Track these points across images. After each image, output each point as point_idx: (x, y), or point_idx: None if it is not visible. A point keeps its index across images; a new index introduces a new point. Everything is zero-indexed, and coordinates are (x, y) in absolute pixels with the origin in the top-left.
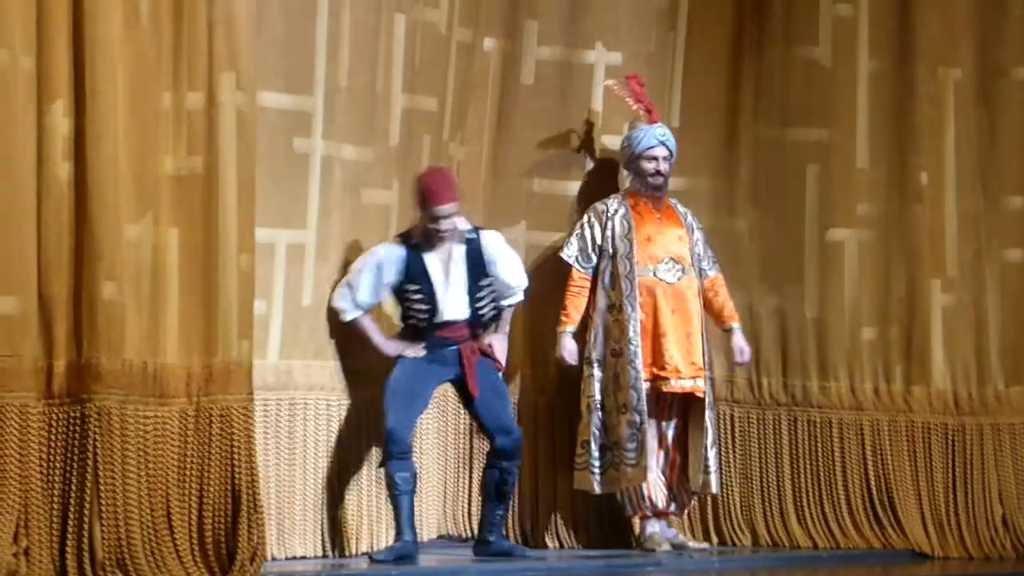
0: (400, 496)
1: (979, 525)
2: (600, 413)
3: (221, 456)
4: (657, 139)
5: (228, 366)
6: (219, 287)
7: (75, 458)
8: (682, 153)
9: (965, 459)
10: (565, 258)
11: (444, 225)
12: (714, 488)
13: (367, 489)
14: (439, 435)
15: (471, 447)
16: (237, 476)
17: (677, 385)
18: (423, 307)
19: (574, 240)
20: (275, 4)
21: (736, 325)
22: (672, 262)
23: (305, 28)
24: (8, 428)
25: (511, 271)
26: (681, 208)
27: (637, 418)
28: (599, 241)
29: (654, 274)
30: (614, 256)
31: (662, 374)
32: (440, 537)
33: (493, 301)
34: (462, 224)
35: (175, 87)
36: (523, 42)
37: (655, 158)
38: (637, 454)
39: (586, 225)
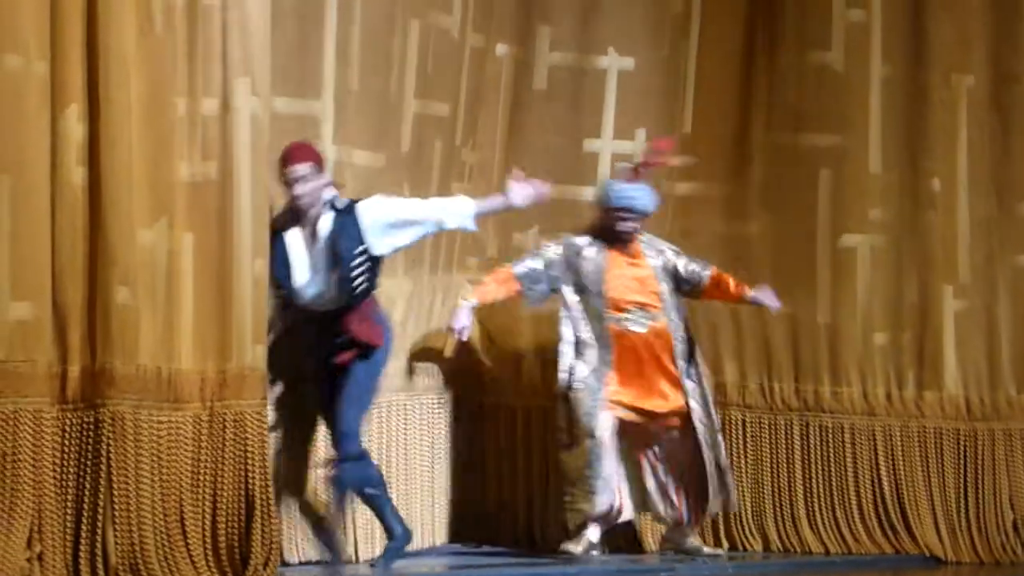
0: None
1: (990, 530)
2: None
3: (235, 461)
4: (627, 199)
5: (242, 371)
6: (233, 292)
7: (89, 463)
8: (694, 158)
9: (977, 464)
10: (513, 268)
11: (299, 189)
12: (714, 508)
13: None
14: (451, 441)
15: (483, 452)
16: (250, 481)
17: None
18: (280, 292)
19: (528, 259)
20: (287, 9)
21: (751, 293)
22: (640, 310)
23: (316, 33)
24: (22, 433)
25: (417, 213)
26: (653, 249)
27: (596, 448)
28: (553, 272)
29: (622, 322)
30: (584, 293)
31: (643, 407)
32: (451, 542)
33: (369, 276)
34: (328, 193)
35: (190, 92)
36: (536, 47)
37: (622, 219)
38: (597, 482)
39: (548, 251)
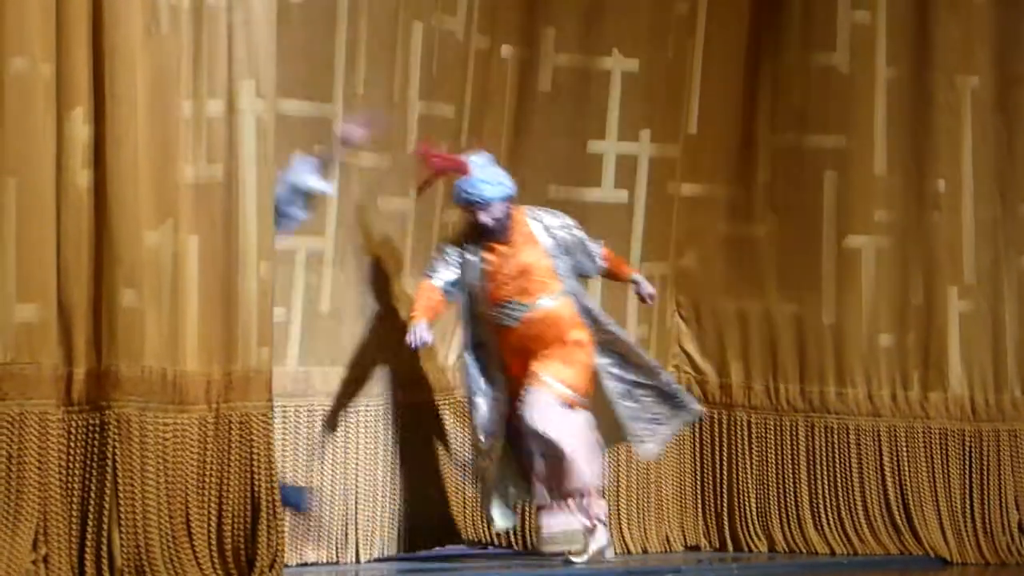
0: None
1: (995, 531)
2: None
3: (240, 463)
4: (464, 194)
5: (247, 373)
6: (238, 294)
7: (94, 465)
8: (699, 159)
9: (982, 465)
10: (433, 282)
11: None
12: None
13: (382, 496)
14: (456, 443)
15: None
16: (256, 483)
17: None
18: None
19: (441, 268)
20: (294, 11)
21: (636, 276)
22: (513, 303)
23: (324, 35)
24: (28, 435)
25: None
26: (542, 227)
27: (483, 459)
28: (457, 272)
29: (498, 318)
30: (472, 293)
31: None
32: (456, 543)
33: None
34: None
35: (195, 94)
36: (540, 49)
37: (474, 212)
38: (482, 490)
39: (447, 253)
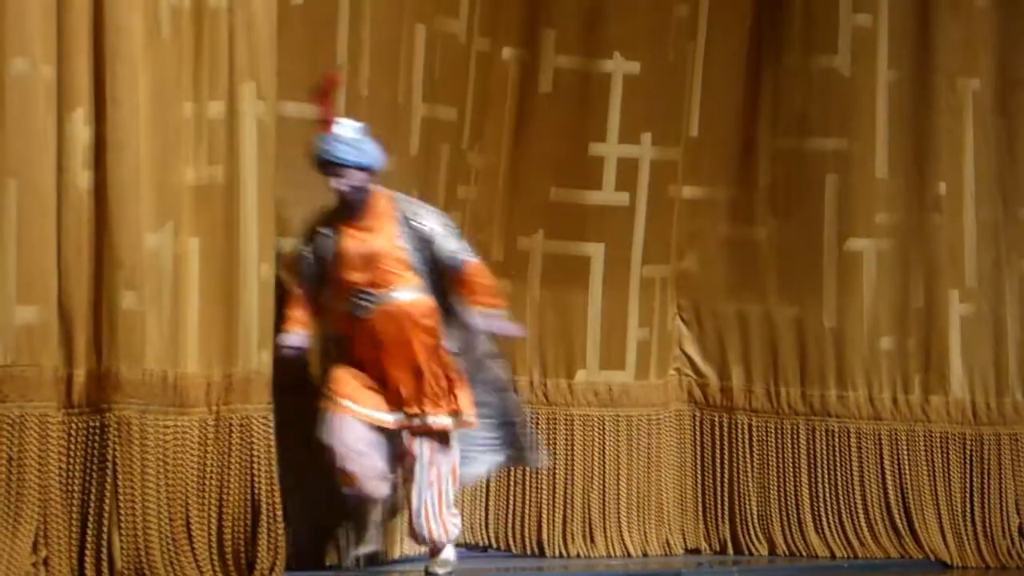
0: None
1: (996, 535)
2: None
3: (240, 465)
4: (323, 152)
5: (248, 375)
6: (239, 297)
7: (95, 468)
8: (700, 162)
9: (983, 469)
10: (297, 283)
11: None
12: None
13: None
14: None
15: None
16: (256, 485)
17: (418, 423)
18: None
19: (296, 269)
20: (295, 13)
21: (478, 318)
22: (364, 293)
23: (326, 38)
24: (28, 437)
25: None
26: (402, 215)
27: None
28: (314, 264)
29: (348, 307)
30: (326, 278)
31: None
32: (458, 546)
33: None
34: None
35: (196, 96)
36: (541, 51)
37: (331, 176)
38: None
39: (304, 248)
